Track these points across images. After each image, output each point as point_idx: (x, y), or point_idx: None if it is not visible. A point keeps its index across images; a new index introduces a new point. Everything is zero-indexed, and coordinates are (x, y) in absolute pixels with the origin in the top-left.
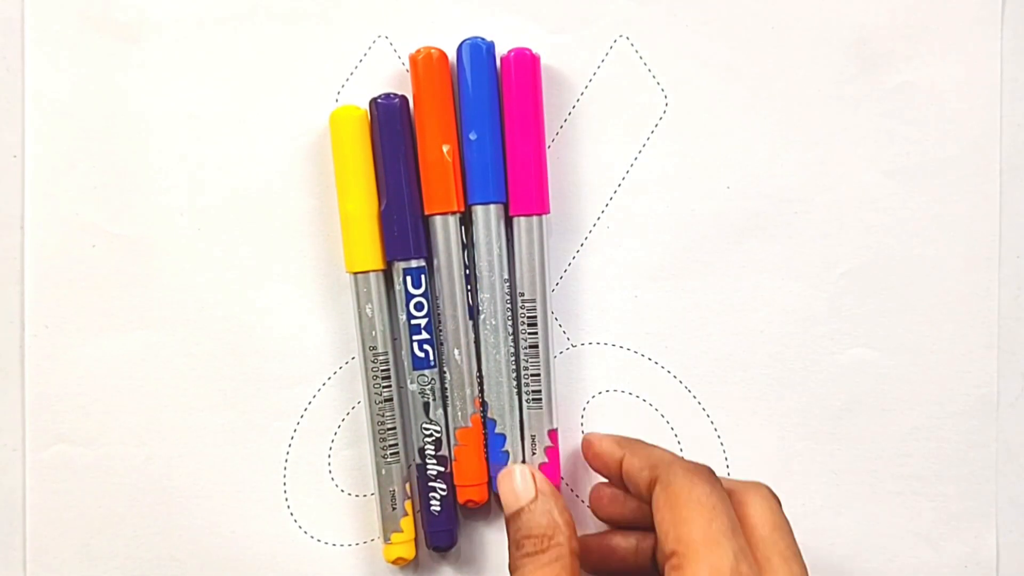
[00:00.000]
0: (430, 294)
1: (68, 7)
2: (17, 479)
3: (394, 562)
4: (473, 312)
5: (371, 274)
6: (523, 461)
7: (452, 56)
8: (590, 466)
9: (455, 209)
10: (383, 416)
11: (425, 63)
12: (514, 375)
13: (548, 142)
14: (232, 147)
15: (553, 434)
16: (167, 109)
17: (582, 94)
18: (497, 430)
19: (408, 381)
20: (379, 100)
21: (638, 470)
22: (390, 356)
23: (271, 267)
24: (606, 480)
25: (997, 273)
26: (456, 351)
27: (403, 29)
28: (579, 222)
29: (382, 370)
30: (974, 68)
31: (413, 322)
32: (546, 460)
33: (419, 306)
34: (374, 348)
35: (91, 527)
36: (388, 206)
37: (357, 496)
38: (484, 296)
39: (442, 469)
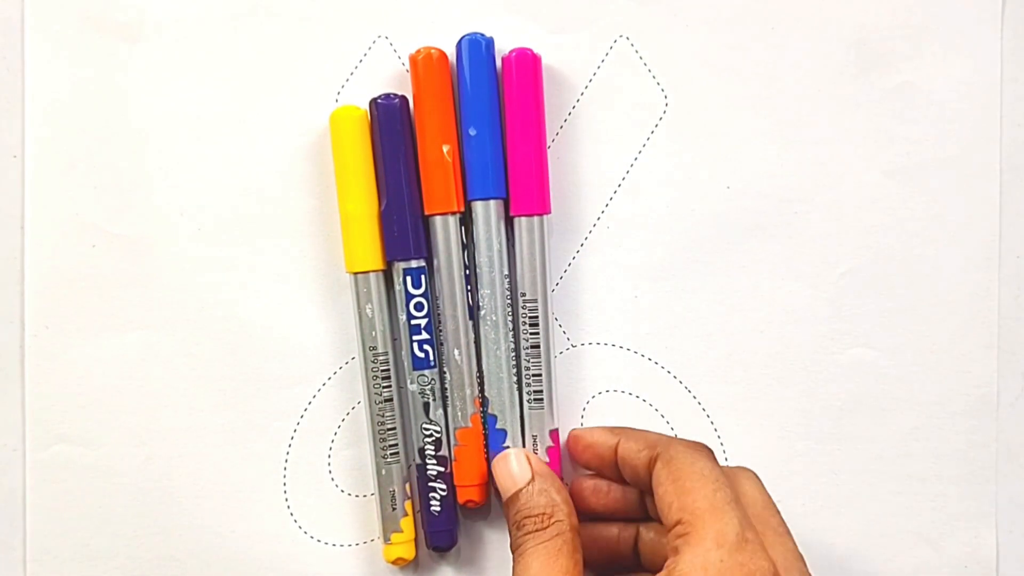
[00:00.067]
0: (430, 294)
1: (68, 7)
2: (17, 479)
3: (394, 562)
4: (473, 312)
5: (371, 274)
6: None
7: (452, 56)
8: (578, 461)
9: (455, 209)
10: (383, 416)
11: (425, 63)
12: (514, 372)
13: (548, 142)
14: (232, 147)
15: (554, 434)
16: (167, 109)
17: (582, 94)
18: (498, 426)
19: (408, 381)
20: (379, 100)
21: (636, 452)
22: (390, 356)
23: (271, 267)
24: (588, 474)
25: (997, 273)
26: (456, 351)
27: (403, 29)
28: (579, 222)
29: (382, 370)
30: (974, 68)
31: (413, 322)
32: (547, 460)
33: (419, 306)
34: (374, 348)
35: (91, 527)
36: (388, 206)
37: (357, 496)
38: (484, 292)
39: (442, 469)
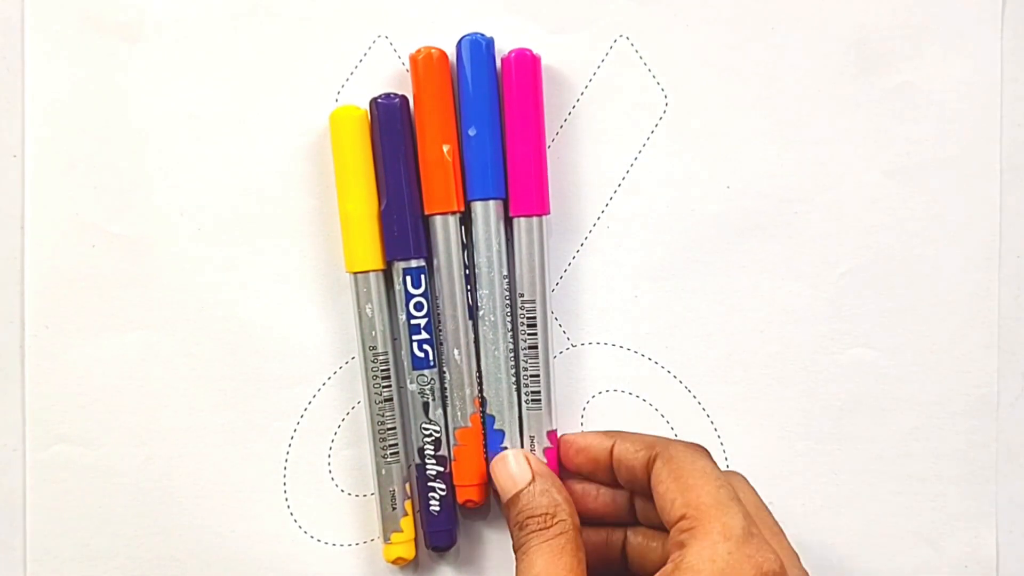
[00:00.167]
0: (430, 294)
1: (68, 7)
2: (17, 479)
3: (394, 562)
4: (473, 311)
5: (371, 274)
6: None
7: (452, 56)
8: (569, 465)
9: (455, 209)
10: (383, 416)
11: (425, 63)
12: (513, 372)
13: (548, 142)
14: (232, 147)
15: (552, 435)
16: (167, 109)
17: (582, 94)
18: (496, 426)
19: (408, 381)
20: (379, 100)
21: (633, 452)
22: (390, 356)
23: (271, 267)
24: (575, 479)
25: (997, 273)
26: (456, 351)
27: (403, 29)
28: (579, 222)
29: (382, 370)
30: (974, 68)
31: (413, 322)
32: (545, 461)
33: (419, 306)
34: (374, 348)
35: (91, 527)
36: (388, 206)
37: (357, 496)
38: (483, 292)
39: (441, 469)
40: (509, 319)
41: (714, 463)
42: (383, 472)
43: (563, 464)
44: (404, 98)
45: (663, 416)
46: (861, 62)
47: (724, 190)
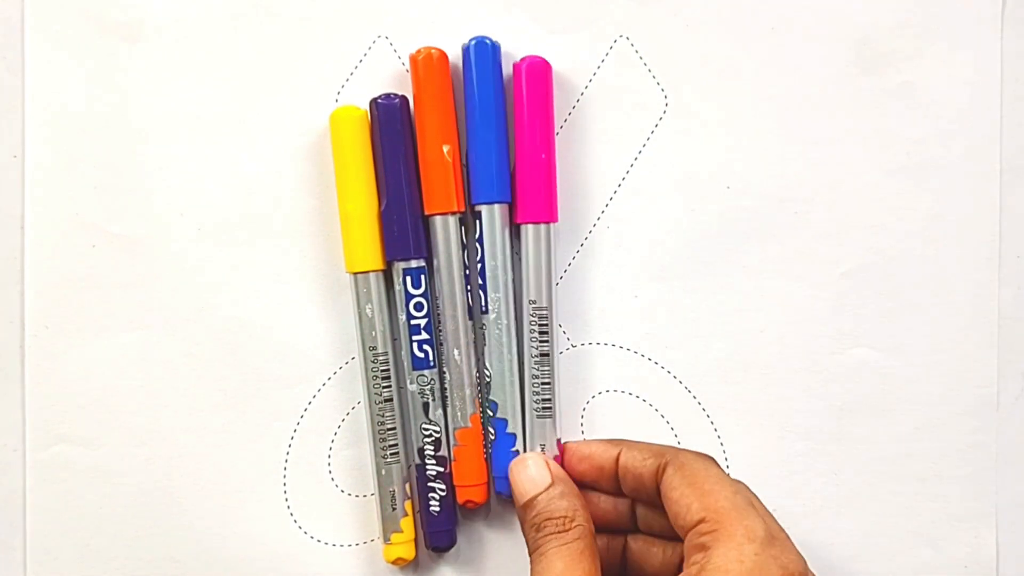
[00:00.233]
0: (430, 294)
1: (68, 7)
2: (17, 479)
3: (394, 562)
4: (473, 312)
5: (371, 274)
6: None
7: (452, 56)
8: (572, 473)
9: (455, 209)
10: (383, 416)
11: (425, 63)
12: (519, 376)
13: None
14: (232, 147)
15: (560, 445)
16: (167, 109)
17: (582, 94)
18: (508, 430)
19: (408, 381)
20: (379, 100)
21: (640, 460)
22: (390, 356)
23: (271, 267)
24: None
25: (997, 273)
26: (456, 351)
27: (403, 29)
28: (579, 222)
29: (382, 370)
30: (974, 68)
31: (413, 322)
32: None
33: (419, 306)
34: (374, 348)
35: (91, 527)
36: (388, 206)
37: (357, 496)
38: (495, 296)
39: (441, 469)
40: (516, 323)
41: (723, 470)
42: (383, 472)
43: (566, 471)
44: (404, 98)
45: (663, 416)
46: (862, 62)
47: (724, 190)
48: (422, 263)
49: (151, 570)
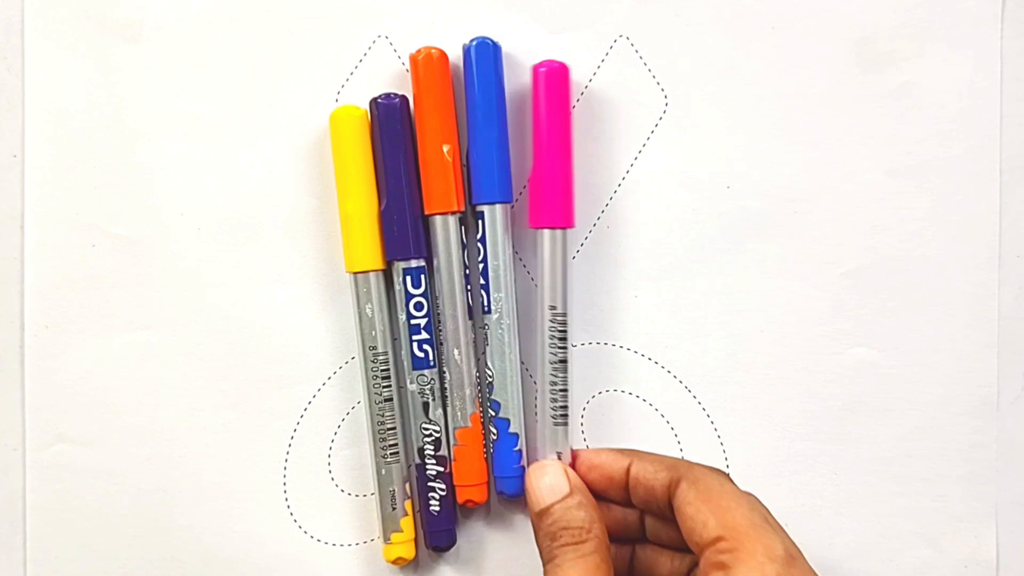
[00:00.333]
0: (430, 294)
1: (68, 7)
2: (17, 479)
3: (394, 562)
4: (473, 312)
5: (371, 274)
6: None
7: (452, 56)
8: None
9: (455, 209)
10: (383, 416)
11: (425, 63)
12: (520, 377)
13: None
14: (232, 147)
15: (573, 452)
16: (167, 109)
17: (582, 94)
18: (511, 430)
19: (408, 381)
20: (379, 100)
21: (652, 473)
22: (390, 356)
23: (271, 267)
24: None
25: (997, 273)
26: (456, 351)
27: (403, 29)
28: (579, 222)
29: (382, 370)
30: (974, 68)
31: (413, 322)
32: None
33: (419, 306)
34: (374, 348)
35: (91, 527)
36: (388, 206)
37: (357, 496)
38: (498, 296)
39: (441, 469)
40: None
41: (736, 486)
42: (383, 472)
43: None
44: (404, 98)
45: (663, 416)
46: (862, 62)
47: (724, 190)
48: (422, 263)
49: (151, 570)
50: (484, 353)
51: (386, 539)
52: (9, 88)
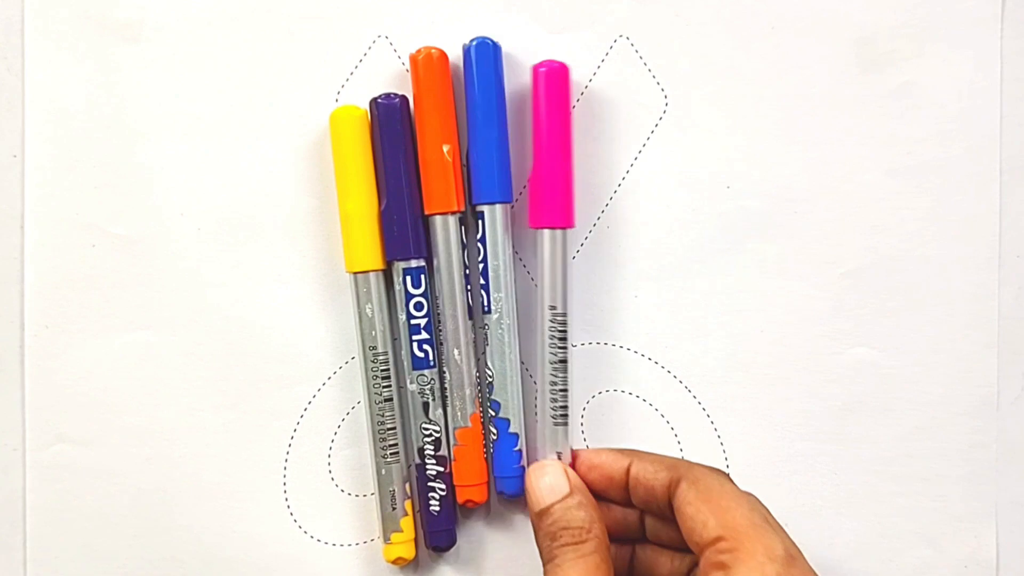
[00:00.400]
0: (430, 294)
1: (68, 7)
2: (17, 479)
3: (394, 562)
4: (473, 312)
5: (371, 274)
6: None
7: (452, 56)
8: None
9: (455, 209)
10: (383, 416)
11: (425, 63)
12: (520, 377)
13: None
14: (232, 147)
15: (574, 452)
16: (167, 109)
17: (582, 94)
18: (511, 430)
19: (408, 381)
20: (379, 100)
21: (652, 473)
22: (390, 356)
23: (271, 267)
24: None
25: (997, 273)
26: (456, 351)
27: (403, 29)
28: (579, 222)
29: (382, 370)
30: (974, 68)
31: (413, 322)
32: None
33: (419, 306)
34: (374, 348)
35: (91, 527)
36: (388, 206)
37: (357, 496)
38: (498, 296)
39: (441, 469)
40: (517, 323)
41: (737, 486)
42: (383, 472)
43: None
44: (404, 98)
45: (663, 416)
46: (862, 62)
47: (724, 190)
48: (422, 263)
49: (151, 570)
50: (484, 353)
51: (386, 539)
52: (9, 88)
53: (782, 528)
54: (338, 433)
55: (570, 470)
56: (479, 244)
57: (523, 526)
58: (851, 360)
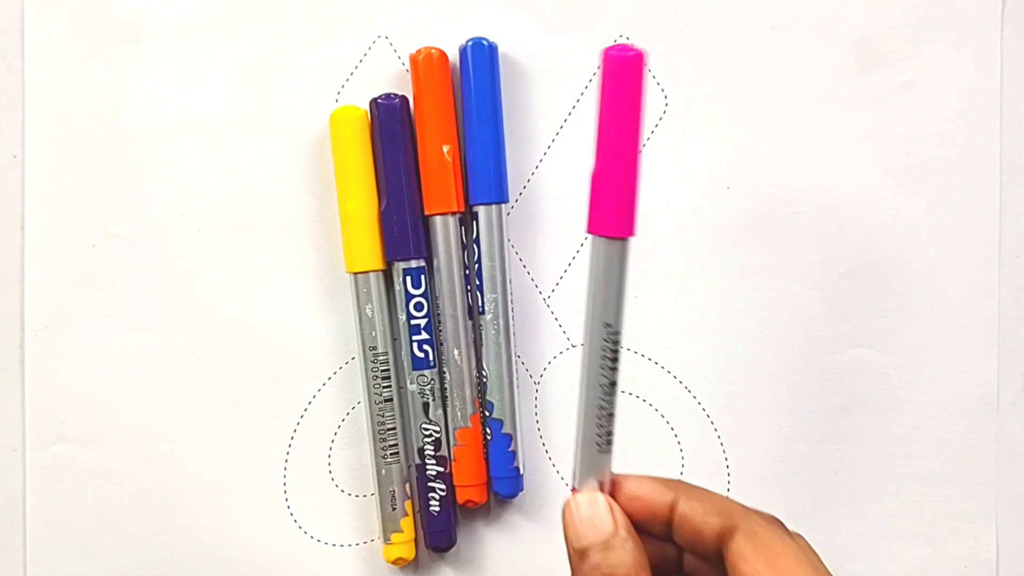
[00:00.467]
0: (430, 294)
1: (68, 7)
2: (17, 479)
3: (394, 562)
4: (473, 312)
5: (371, 274)
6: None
7: (452, 56)
8: None
9: (455, 209)
10: (383, 416)
11: (425, 63)
12: (516, 376)
13: (548, 143)
14: (232, 147)
15: (614, 479)
16: (167, 109)
17: (582, 94)
18: (503, 431)
19: (408, 381)
20: (379, 100)
21: (702, 515)
22: (390, 356)
23: (271, 267)
24: None
25: (997, 273)
26: (456, 351)
27: (403, 29)
28: (579, 222)
29: (382, 370)
30: (974, 68)
31: (413, 322)
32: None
33: (419, 306)
34: (374, 348)
35: (91, 527)
36: (388, 206)
37: (357, 496)
38: (491, 296)
39: (441, 469)
40: (514, 322)
41: (796, 540)
42: (383, 472)
43: None
44: (404, 98)
45: (663, 416)
46: (861, 62)
47: (724, 190)
48: (422, 263)
49: (151, 570)
50: (479, 354)
51: (386, 539)
52: (9, 88)
53: None
54: (338, 433)
55: (615, 505)
56: (474, 244)
57: (523, 526)
58: (851, 360)
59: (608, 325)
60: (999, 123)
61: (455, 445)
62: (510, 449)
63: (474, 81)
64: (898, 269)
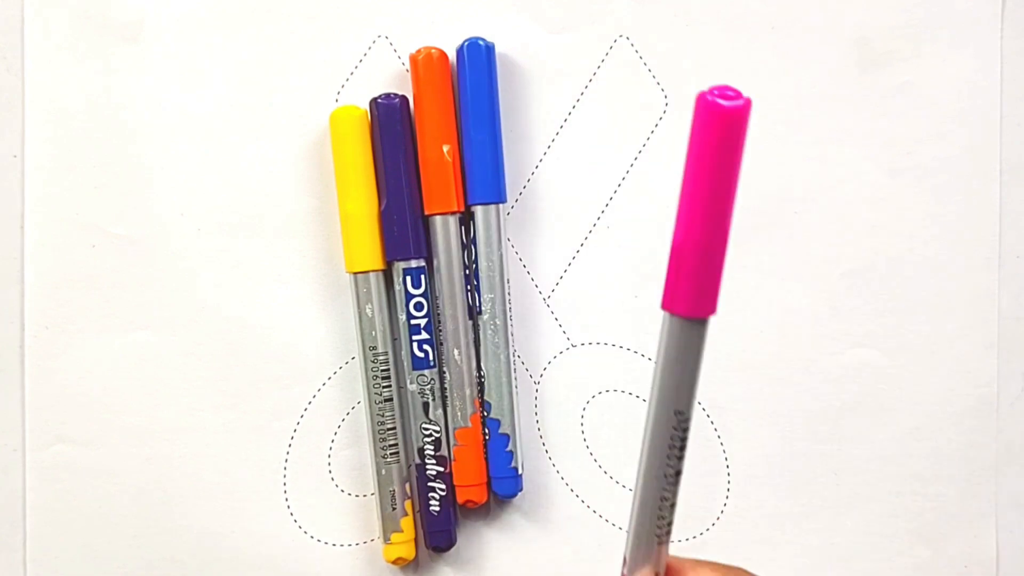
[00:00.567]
0: (430, 294)
1: (68, 7)
2: (17, 479)
3: (394, 562)
4: (473, 312)
5: (371, 274)
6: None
7: (452, 56)
8: None
9: (455, 209)
10: (383, 416)
11: (425, 63)
12: (515, 376)
13: (548, 143)
14: (232, 147)
15: (668, 564)
16: (167, 109)
17: (582, 94)
18: (501, 431)
19: (408, 381)
20: (379, 100)
21: None
22: (390, 356)
23: (271, 267)
24: None
25: (997, 273)
26: (456, 351)
27: (403, 29)
28: (579, 222)
29: (382, 370)
30: (974, 68)
31: (413, 322)
32: None
33: (419, 306)
34: (374, 348)
35: (91, 527)
36: (388, 206)
37: (357, 496)
38: (489, 297)
39: (441, 469)
40: (512, 322)
41: None
42: (383, 472)
43: None
44: (404, 98)
45: None
46: (861, 62)
47: None
48: (422, 263)
49: (151, 570)
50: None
51: (386, 539)
52: (9, 88)
53: None
54: (338, 433)
55: None
56: (472, 244)
57: (523, 527)
58: (851, 360)
59: (680, 412)
60: (999, 123)
61: (455, 445)
62: (508, 449)
63: (471, 81)
64: (898, 269)
